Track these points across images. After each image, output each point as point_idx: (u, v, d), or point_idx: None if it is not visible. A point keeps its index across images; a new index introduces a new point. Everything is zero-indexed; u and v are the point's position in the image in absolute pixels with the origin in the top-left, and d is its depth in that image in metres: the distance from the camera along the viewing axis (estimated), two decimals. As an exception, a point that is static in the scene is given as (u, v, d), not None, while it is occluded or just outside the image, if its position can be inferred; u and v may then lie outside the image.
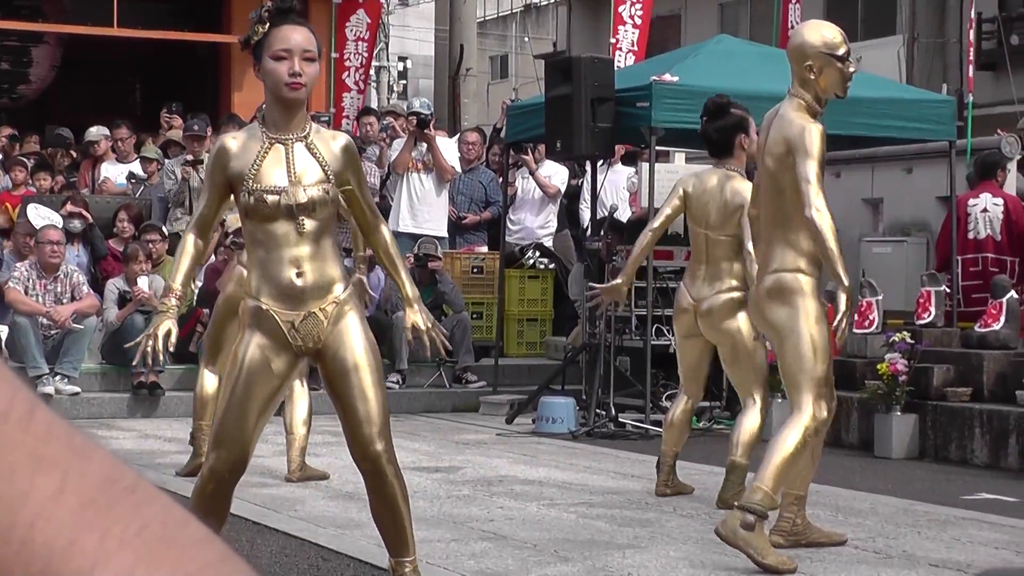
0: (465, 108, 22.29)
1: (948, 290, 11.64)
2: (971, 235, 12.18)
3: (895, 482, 8.95)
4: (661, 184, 11.87)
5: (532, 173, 14.77)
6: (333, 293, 5.08)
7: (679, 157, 14.51)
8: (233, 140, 5.19)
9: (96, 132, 15.54)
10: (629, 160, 14.74)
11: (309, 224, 5.01)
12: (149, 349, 5.09)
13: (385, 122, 16.22)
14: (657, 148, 12.19)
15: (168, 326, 5.12)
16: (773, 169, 6.24)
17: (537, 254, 14.64)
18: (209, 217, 5.19)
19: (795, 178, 6.04)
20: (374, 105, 22.04)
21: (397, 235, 14.10)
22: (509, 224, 14.65)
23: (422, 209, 14.06)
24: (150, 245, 12.49)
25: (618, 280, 7.95)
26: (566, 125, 11.53)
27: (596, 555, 6.35)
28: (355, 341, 5.07)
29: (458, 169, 14.33)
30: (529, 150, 14.67)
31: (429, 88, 25.40)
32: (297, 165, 5.06)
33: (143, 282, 11.97)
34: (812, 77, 6.22)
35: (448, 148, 14.37)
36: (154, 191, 14.48)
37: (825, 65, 6.22)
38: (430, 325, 5.31)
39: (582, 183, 14.86)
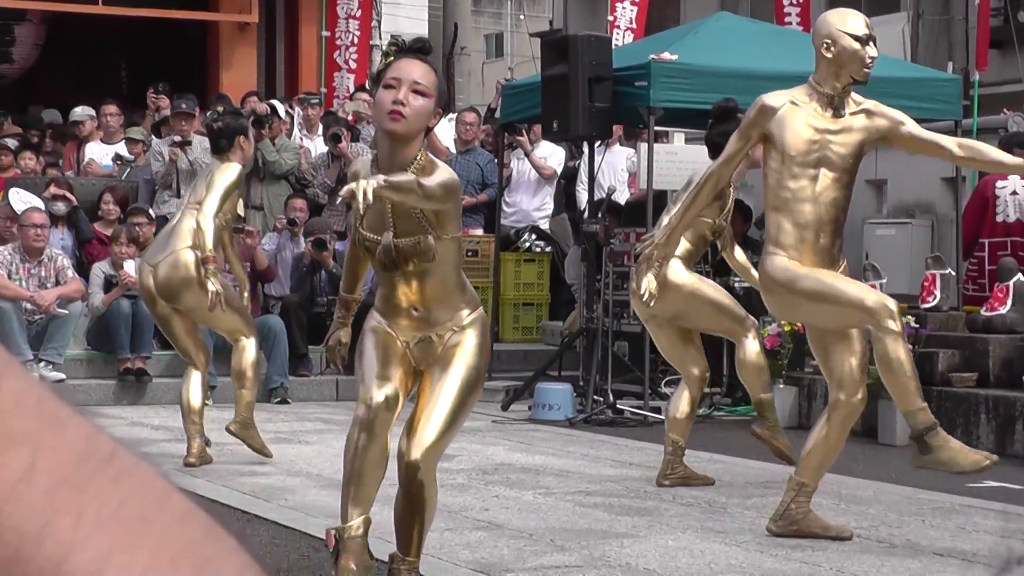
0: (459, 88, 22.25)
1: (954, 273, 11.63)
2: (999, 218, 12.11)
3: (899, 470, 8.96)
4: (660, 165, 11.87)
5: (528, 154, 14.75)
6: (453, 320, 5.11)
7: (678, 137, 14.49)
8: (359, 166, 5.12)
9: (81, 112, 15.50)
10: (627, 141, 14.73)
11: (415, 268, 5.02)
12: (328, 357, 5.51)
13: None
14: (656, 128, 12.18)
15: (337, 336, 5.41)
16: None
17: (533, 237, 14.63)
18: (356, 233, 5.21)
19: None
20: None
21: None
22: (504, 207, 14.63)
23: (416, 191, 14.03)
24: (137, 228, 12.46)
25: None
26: (562, 105, 11.52)
27: (594, 544, 6.36)
28: (463, 355, 5.08)
29: (452, 150, 14.30)
30: (524, 131, 14.65)
31: (422, 67, 25.36)
32: (395, 213, 4.98)
33: (129, 266, 11.94)
34: (828, 56, 6.28)
35: (441, 128, 14.34)
36: (141, 173, 14.44)
37: (841, 43, 6.27)
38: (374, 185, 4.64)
39: (579, 164, 14.85)
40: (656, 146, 12.06)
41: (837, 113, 6.34)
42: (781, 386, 11.03)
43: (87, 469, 0.70)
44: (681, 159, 12.49)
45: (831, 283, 6.24)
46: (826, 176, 6.30)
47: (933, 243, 13.74)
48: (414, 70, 4.91)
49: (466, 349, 5.09)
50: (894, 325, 6.13)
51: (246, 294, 9.15)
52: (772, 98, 6.40)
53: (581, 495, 7.67)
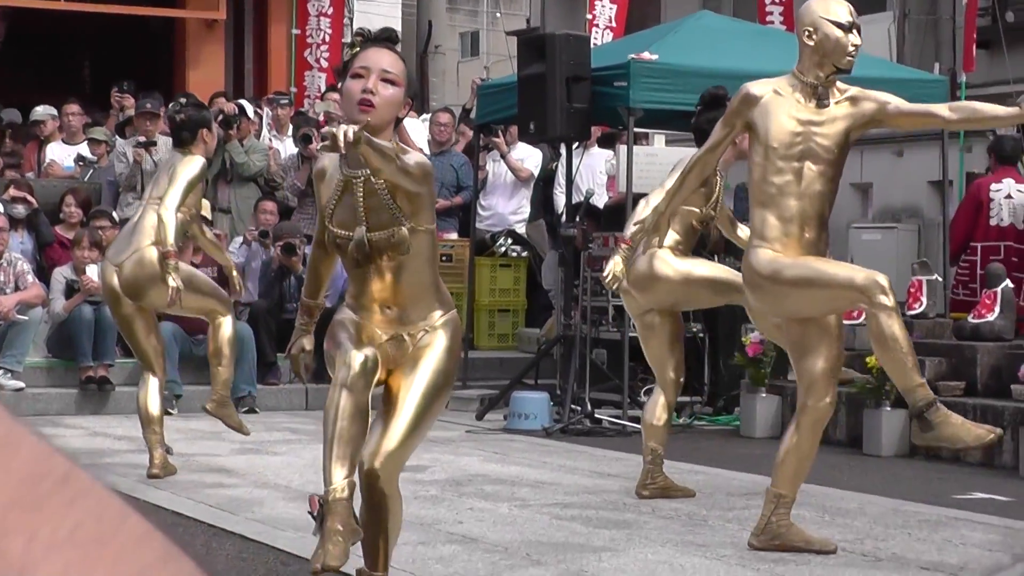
0: (433, 87, 22.26)
1: (941, 279, 11.67)
2: (993, 222, 12.15)
3: (884, 481, 8.98)
4: (640, 168, 11.88)
5: (504, 156, 14.76)
6: (426, 320, 5.10)
7: (659, 139, 14.51)
8: (327, 160, 5.07)
9: (43, 112, 15.43)
10: (606, 143, 14.74)
11: (388, 262, 5.01)
12: (293, 368, 5.44)
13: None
14: (636, 130, 12.20)
15: (300, 344, 5.35)
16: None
17: (509, 241, 14.64)
18: (324, 232, 5.17)
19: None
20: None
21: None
22: (480, 210, 14.63)
23: (388, 195, 14.02)
24: (99, 232, 12.41)
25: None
26: (540, 106, 11.53)
27: (571, 558, 6.35)
28: (431, 357, 5.06)
29: (426, 151, 14.30)
30: (500, 132, 14.66)
31: (395, 66, 25.37)
32: (367, 206, 4.96)
33: (92, 271, 11.90)
34: (810, 44, 6.27)
35: (416, 129, 14.35)
36: (104, 174, 14.40)
37: (824, 30, 6.26)
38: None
39: (556, 167, 14.86)
40: (636, 148, 12.07)
41: (821, 103, 6.32)
42: (764, 395, 11.06)
43: (41, 490, 0.69)
44: (661, 161, 12.48)
45: (818, 267, 6.26)
46: (811, 169, 6.30)
47: (919, 248, 13.80)
48: (383, 58, 4.93)
49: (435, 351, 5.07)
50: (887, 300, 6.13)
51: (235, 274, 9.07)
52: (756, 86, 6.41)
53: (558, 507, 7.67)
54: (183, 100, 8.91)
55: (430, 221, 5.06)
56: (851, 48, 6.28)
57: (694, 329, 11.89)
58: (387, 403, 5.06)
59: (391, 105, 4.91)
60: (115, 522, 0.70)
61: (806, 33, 6.29)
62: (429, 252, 5.08)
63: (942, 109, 6.41)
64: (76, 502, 0.69)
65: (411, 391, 5.01)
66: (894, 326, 6.13)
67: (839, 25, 6.25)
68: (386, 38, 5.05)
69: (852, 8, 6.40)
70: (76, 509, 0.69)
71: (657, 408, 8.10)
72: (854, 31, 6.30)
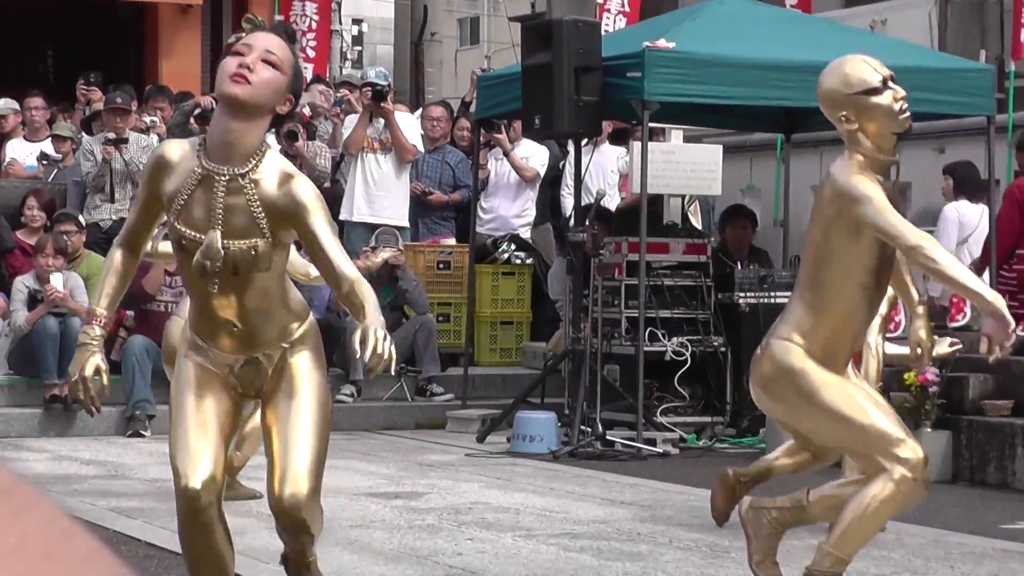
0: (429, 78, 22.30)
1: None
2: None
3: (924, 509, 8.97)
4: (655, 166, 11.91)
5: (507, 154, 14.79)
6: (281, 337, 4.96)
7: (676, 135, 14.56)
8: (176, 150, 4.88)
9: (3, 105, 15.45)
10: (618, 139, 14.76)
11: (239, 277, 4.81)
12: (82, 397, 4.97)
13: (339, 95, 16.21)
14: (651, 125, 12.21)
15: (95, 363, 4.96)
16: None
17: (512, 247, 14.66)
18: (139, 232, 5.01)
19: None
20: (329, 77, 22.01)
21: (352, 225, 14.20)
22: (480, 212, 14.65)
23: (380, 195, 14.06)
24: (65, 237, 12.44)
25: None
26: (546, 98, 11.55)
27: (580, 594, 6.37)
28: (304, 376, 4.97)
29: (420, 148, 14.34)
30: (503, 128, 14.68)
31: (388, 55, 25.38)
32: (225, 211, 4.77)
33: (56, 280, 11.93)
34: (854, 128, 5.74)
35: (409, 125, 14.38)
36: (69, 174, 14.42)
37: (861, 107, 5.74)
38: (380, 337, 4.67)
39: (564, 166, 14.88)
40: (651, 145, 12.09)
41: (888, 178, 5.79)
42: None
43: None
44: (679, 159, 12.54)
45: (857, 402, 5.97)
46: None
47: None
48: (270, 40, 4.81)
49: (304, 369, 4.97)
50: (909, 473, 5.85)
51: None
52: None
53: (566, 538, 7.69)
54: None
55: (292, 235, 4.89)
56: (901, 104, 5.75)
57: (715, 344, 11.92)
58: (274, 436, 4.93)
59: (269, 88, 4.74)
60: (62, 538, 0.71)
61: (843, 120, 5.76)
62: (283, 267, 4.94)
63: (911, 237, 5.62)
64: (21, 515, 0.71)
65: (301, 421, 4.90)
66: (888, 498, 5.75)
67: (872, 91, 5.75)
68: (278, 28, 4.94)
69: (876, 61, 5.88)
70: (21, 523, 0.70)
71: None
72: (890, 83, 5.78)
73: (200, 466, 4.84)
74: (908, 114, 5.77)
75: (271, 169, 4.79)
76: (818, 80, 5.91)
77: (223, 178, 4.75)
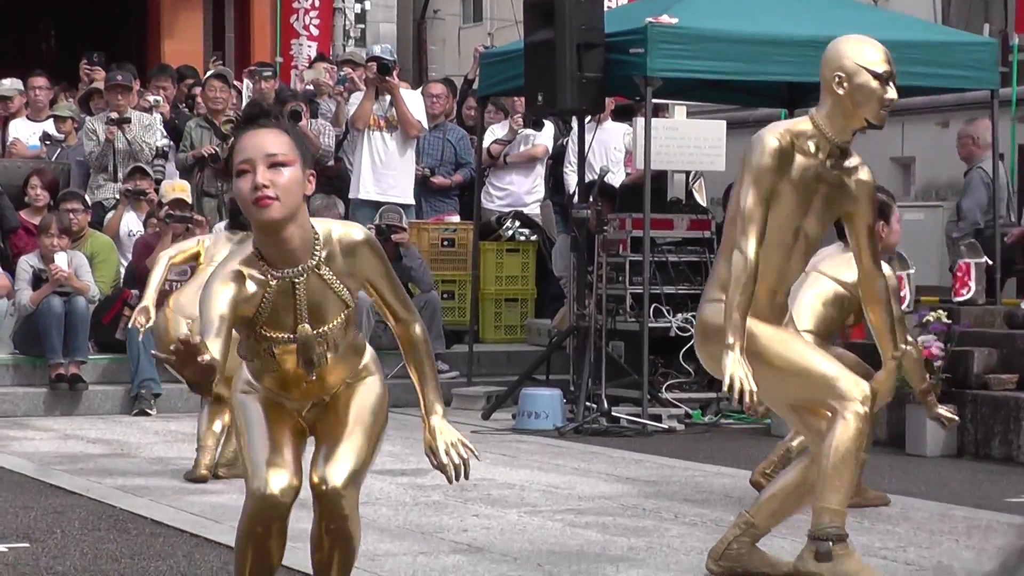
0: (432, 56, 22.28)
1: (991, 262, 11.67)
2: None
3: (930, 483, 9.00)
4: (659, 143, 11.89)
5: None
6: (352, 377, 5.02)
7: (679, 111, 14.52)
8: (242, 266, 4.70)
9: (9, 86, 15.40)
10: (622, 116, 14.75)
11: (334, 355, 4.86)
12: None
13: (342, 73, 16.19)
14: (654, 101, 12.20)
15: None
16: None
17: (517, 224, 14.64)
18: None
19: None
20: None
21: (358, 203, 14.18)
22: (492, 189, 14.66)
23: (386, 173, 14.05)
24: (70, 216, 12.44)
25: None
26: (548, 75, 11.53)
27: (586, 569, 6.38)
28: (364, 386, 5.04)
29: (425, 125, 14.32)
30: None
31: (391, 33, 25.35)
32: (310, 305, 4.76)
33: (61, 259, 11.94)
34: (840, 92, 5.91)
35: (413, 102, 14.35)
36: (72, 153, 14.42)
37: (858, 78, 5.90)
38: (453, 441, 4.97)
39: (567, 143, 14.87)
40: (655, 121, 12.08)
41: (836, 164, 5.98)
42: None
43: None
44: (683, 135, 12.51)
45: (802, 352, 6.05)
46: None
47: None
48: (263, 142, 4.64)
49: (367, 382, 5.03)
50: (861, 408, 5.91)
51: None
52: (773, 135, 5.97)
53: (572, 514, 7.69)
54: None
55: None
56: (887, 101, 5.94)
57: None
58: (326, 427, 4.96)
59: (293, 188, 4.62)
60: None
61: (836, 79, 5.93)
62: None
63: (871, 277, 6.06)
64: None
65: (353, 412, 4.94)
66: (849, 437, 5.81)
67: (876, 76, 5.91)
68: (257, 115, 4.72)
69: (890, 56, 6.02)
70: None
71: None
72: (890, 84, 5.95)
73: (278, 472, 4.80)
74: (886, 115, 5.96)
75: (329, 242, 4.75)
76: (834, 40, 6.03)
77: (302, 278, 4.71)
